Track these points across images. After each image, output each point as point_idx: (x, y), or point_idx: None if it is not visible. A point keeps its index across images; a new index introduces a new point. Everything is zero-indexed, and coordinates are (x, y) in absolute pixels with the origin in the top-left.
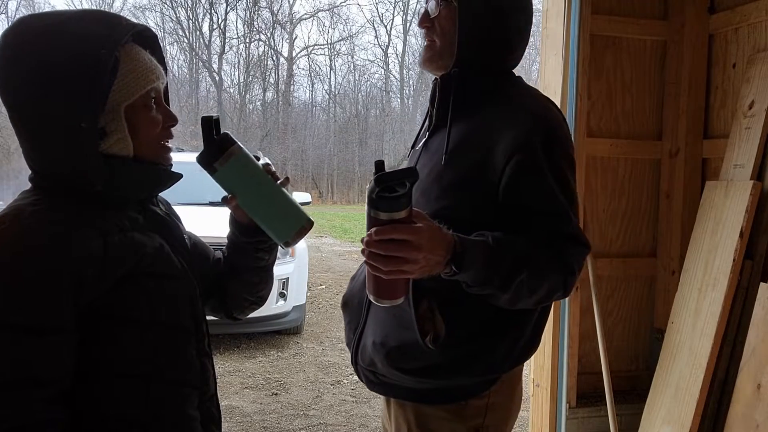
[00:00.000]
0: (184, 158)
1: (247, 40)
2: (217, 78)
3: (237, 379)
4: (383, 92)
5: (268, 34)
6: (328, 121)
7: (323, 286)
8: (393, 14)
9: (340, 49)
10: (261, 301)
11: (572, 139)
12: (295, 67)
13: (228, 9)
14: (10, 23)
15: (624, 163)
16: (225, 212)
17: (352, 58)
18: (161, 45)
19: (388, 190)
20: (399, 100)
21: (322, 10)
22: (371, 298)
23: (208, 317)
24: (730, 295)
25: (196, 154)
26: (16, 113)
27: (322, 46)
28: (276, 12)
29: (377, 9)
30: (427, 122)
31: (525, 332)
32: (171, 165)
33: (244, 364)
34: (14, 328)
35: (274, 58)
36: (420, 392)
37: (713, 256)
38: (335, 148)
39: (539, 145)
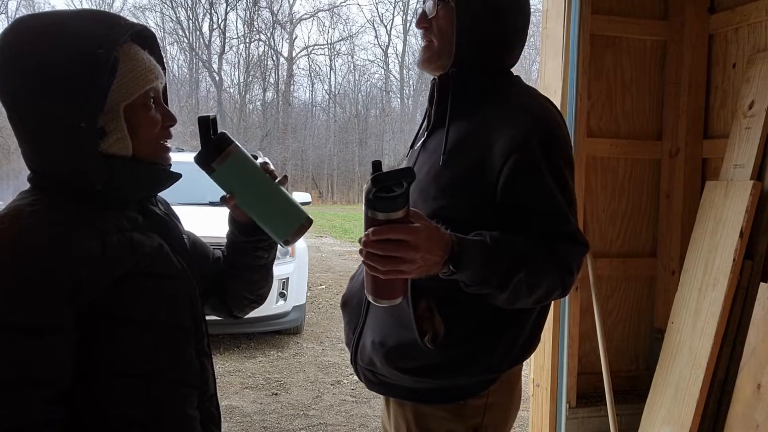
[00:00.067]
0: (183, 158)
1: (247, 40)
2: (217, 78)
3: (237, 379)
4: (383, 92)
5: (268, 34)
6: (328, 121)
7: (323, 286)
8: (393, 14)
9: (340, 49)
10: (261, 299)
11: (571, 139)
12: (295, 67)
13: (228, 9)
14: (9, 23)
15: (624, 163)
16: (224, 212)
17: (352, 58)
18: (160, 45)
19: (385, 190)
20: (399, 100)
21: (322, 10)
22: (370, 298)
23: (209, 317)
24: (730, 295)
25: (194, 155)
26: (15, 113)
27: (322, 46)
28: (276, 12)
29: (377, 9)
30: (425, 122)
31: (523, 332)
32: (170, 165)
33: (244, 364)
34: (13, 328)
35: (274, 58)
36: (419, 392)
37: (713, 256)
38: (335, 148)
39: (537, 144)
